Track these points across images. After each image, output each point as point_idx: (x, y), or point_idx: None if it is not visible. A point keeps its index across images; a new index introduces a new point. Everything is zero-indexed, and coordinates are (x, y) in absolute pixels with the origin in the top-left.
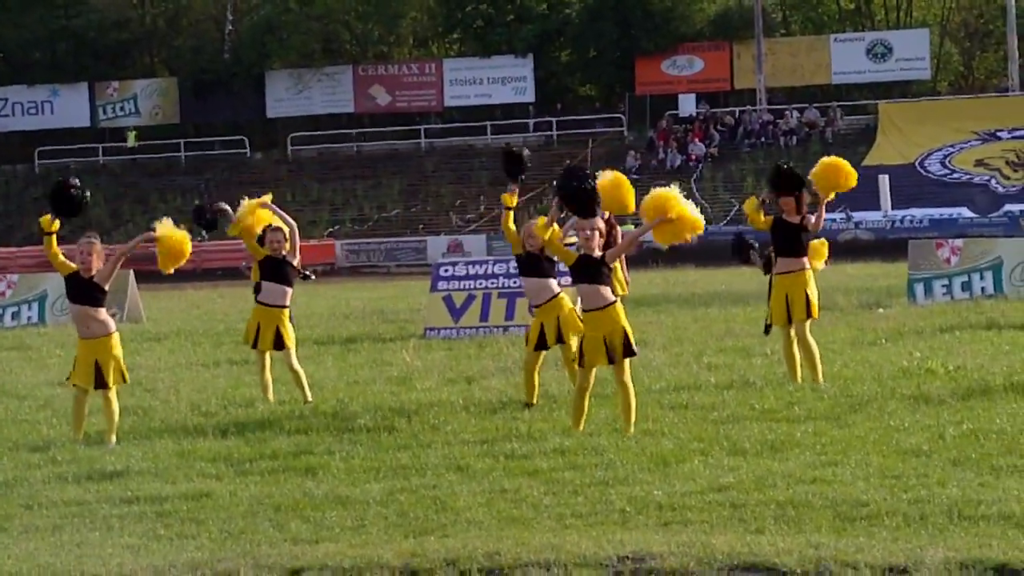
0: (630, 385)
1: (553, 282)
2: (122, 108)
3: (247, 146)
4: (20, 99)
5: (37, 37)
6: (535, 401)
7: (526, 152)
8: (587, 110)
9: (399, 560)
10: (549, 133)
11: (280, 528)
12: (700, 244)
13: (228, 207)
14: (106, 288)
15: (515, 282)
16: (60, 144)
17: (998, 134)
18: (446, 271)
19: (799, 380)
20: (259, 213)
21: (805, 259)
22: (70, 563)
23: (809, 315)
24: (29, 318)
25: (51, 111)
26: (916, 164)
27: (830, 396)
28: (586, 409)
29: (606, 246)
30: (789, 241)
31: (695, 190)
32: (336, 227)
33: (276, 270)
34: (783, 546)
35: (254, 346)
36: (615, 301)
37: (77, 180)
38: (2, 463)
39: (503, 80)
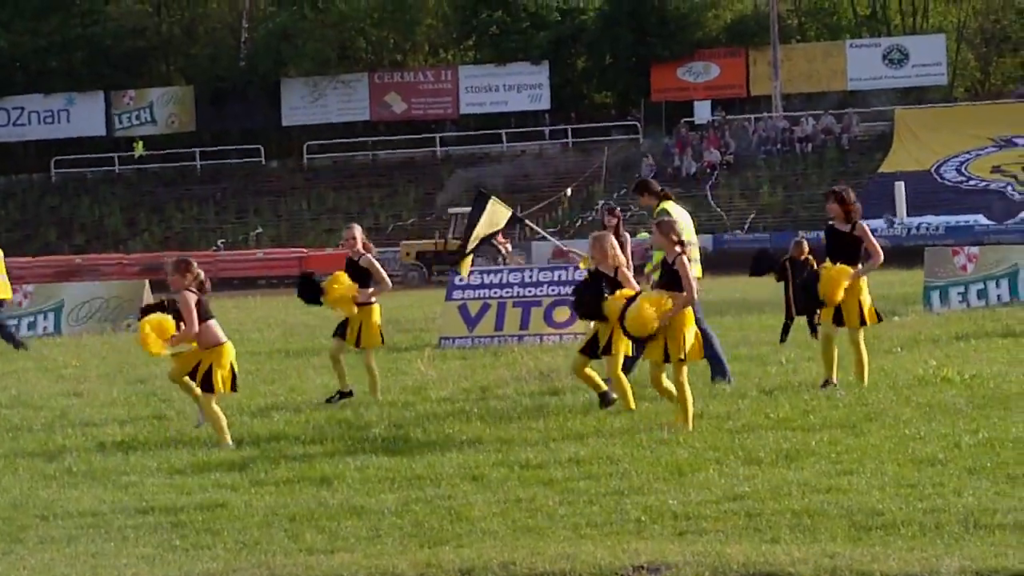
0: (685, 385)
1: None
2: (138, 117)
3: (263, 154)
4: (36, 108)
5: (53, 45)
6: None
7: None
8: (603, 117)
9: (414, 570)
10: (565, 140)
11: (295, 538)
12: (715, 253)
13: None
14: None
15: (529, 291)
16: (76, 153)
17: (1015, 140)
18: (461, 280)
19: (835, 378)
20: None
21: (859, 267)
22: (85, 574)
23: (863, 322)
24: (45, 328)
25: (67, 120)
26: (932, 171)
27: (845, 404)
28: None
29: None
30: (842, 249)
31: (710, 198)
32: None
33: (353, 270)
34: (798, 555)
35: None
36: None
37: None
38: (18, 474)
39: (518, 87)
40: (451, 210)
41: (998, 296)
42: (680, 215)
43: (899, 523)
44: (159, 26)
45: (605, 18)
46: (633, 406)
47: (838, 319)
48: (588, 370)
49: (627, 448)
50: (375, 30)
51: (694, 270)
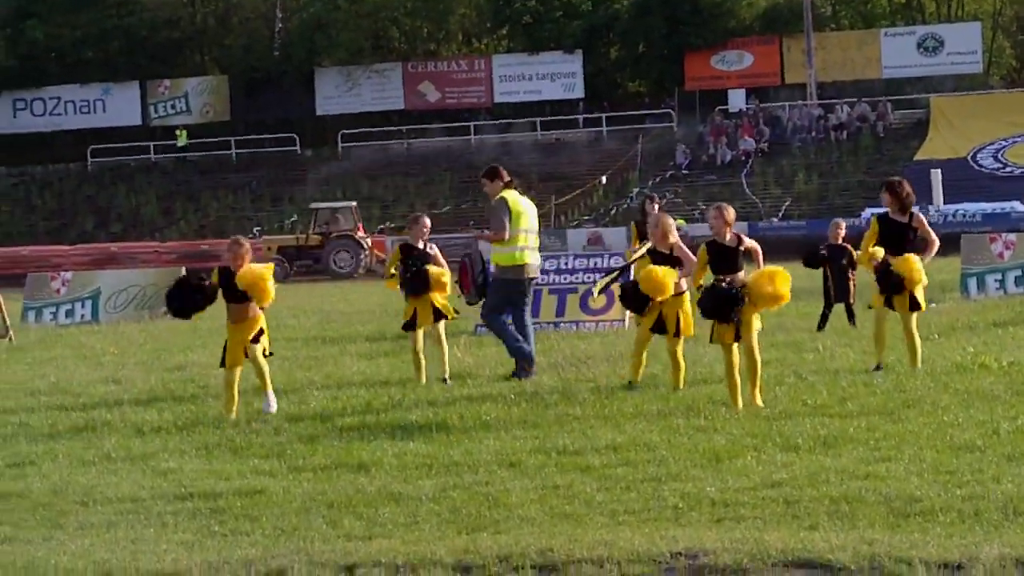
0: (756, 356)
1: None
2: (173, 106)
3: (298, 144)
4: (72, 98)
5: (89, 36)
6: (638, 380)
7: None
8: (636, 105)
9: (452, 556)
10: (599, 129)
11: (333, 524)
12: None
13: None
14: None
15: (565, 278)
16: (112, 142)
17: None
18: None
19: (883, 363)
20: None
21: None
22: (125, 559)
23: (914, 308)
24: (83, 316)
25: (103, 109)
26: (968, 158)
27: (883, 391)
28: (739, 383)
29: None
30: (898, 237)
31: (745, 186)
32: (387, 224)
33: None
34: (837, 542)
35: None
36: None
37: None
38: (57, 460)
39: (552, 76)
40: (312, 205)
41: None
42: (521, 203)
43: (938, 510)
44: (193, 16)
45: (638, 7)
46: (680, 384)
47: (889, 303)
48: (644, 353)
49: (664, 434)
50: (408, 19)
51: (535, 258)
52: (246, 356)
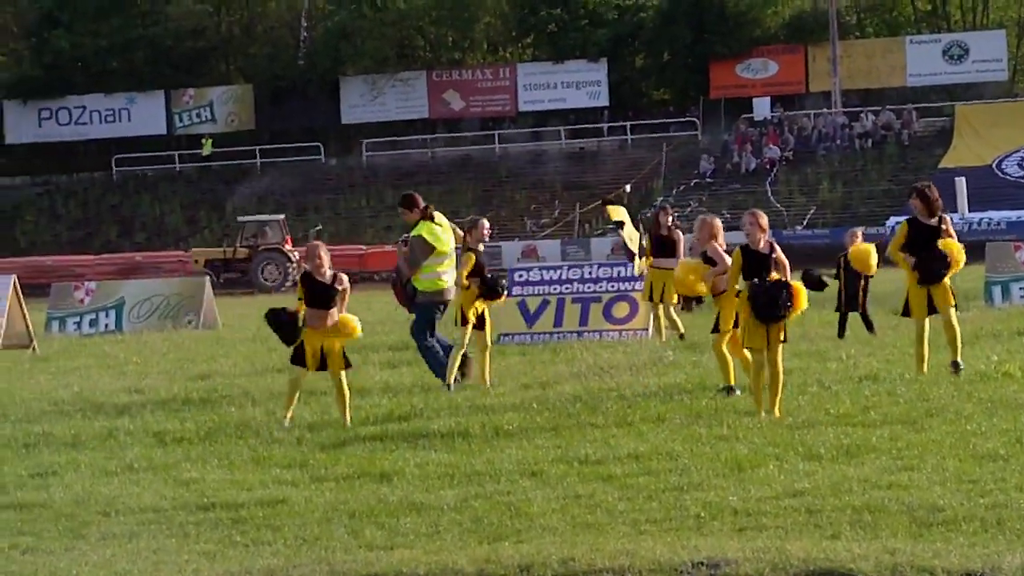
0: (779, 368)
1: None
2: (198, 115)
3: (322, 152)
4: (97, 107)
5: (114, 45)
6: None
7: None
8: (661, 114)
9: (474, 566)
10: (624, 137)
11: (355, 534)
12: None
13: None
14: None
15: (588, 287)
16: (137, 151)
17: None
18: (520, 276)
19: (925, 372)
20: None
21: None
22: (147, 570)
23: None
24: (107, 325)
25: (128, 119)
26: (993, 166)
27: (906, 400)
28: (763, 389)
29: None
30: (927, 241)
31: (770, 194)
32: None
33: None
34: (859, 552)
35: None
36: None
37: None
38: (79, 470)
39: (577, 84)
40: (240, 218)
41: None
42: (440, 234)
43: (960, 519)
44: (219, 26)
45: (663, 15)
46: (732, 381)
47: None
48: (726, 350)
49: (686, 444)
50: (433, 28)
51: (449, 277)
52: (318, 368)
